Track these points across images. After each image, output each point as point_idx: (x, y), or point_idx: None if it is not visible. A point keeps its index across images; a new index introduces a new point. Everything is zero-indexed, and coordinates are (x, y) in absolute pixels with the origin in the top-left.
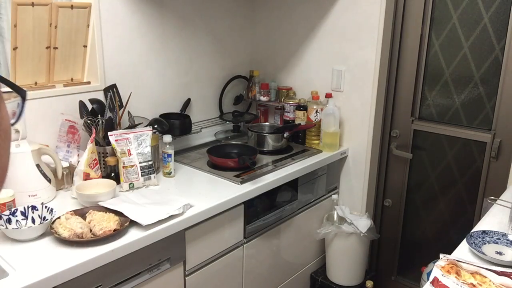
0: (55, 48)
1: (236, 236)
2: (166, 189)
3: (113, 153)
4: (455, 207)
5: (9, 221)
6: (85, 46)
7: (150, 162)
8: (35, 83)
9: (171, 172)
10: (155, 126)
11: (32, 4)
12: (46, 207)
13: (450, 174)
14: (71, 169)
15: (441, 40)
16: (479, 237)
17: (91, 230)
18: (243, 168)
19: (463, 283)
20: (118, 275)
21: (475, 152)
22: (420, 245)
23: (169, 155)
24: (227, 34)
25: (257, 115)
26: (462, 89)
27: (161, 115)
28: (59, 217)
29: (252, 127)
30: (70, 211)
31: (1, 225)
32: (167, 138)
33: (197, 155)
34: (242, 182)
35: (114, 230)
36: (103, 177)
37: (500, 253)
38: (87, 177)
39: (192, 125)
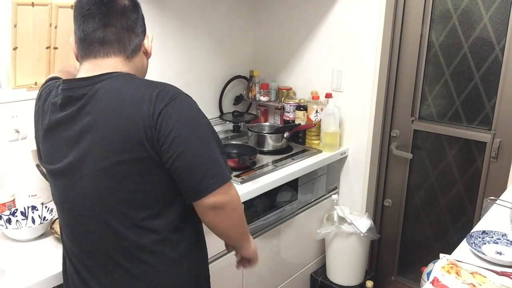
0: (55, 48)
1: None
2: None
3: None
4: (455, 207)
5: (9, 221)
6: None
7: None
8: (35, 83)
9: None
10: None
11: (32, 4)
12: (46, 207)
13: (450, 174)
14: None
15: (441, 40)
16: (479, 237)
17: None
18: (243, 168)
19: (463, 283)
20: None
21: (475, 152)
22: (420, 245)
23: None
24: (227, 34)
25: (257, 115)
26: (462, 89)
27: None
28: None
29: (252, 127)
30: None
31: (1, 225)
32: None
33: None
34: (242, 182)
35: None
36: None
37: (500, 253)
38: None
39: None
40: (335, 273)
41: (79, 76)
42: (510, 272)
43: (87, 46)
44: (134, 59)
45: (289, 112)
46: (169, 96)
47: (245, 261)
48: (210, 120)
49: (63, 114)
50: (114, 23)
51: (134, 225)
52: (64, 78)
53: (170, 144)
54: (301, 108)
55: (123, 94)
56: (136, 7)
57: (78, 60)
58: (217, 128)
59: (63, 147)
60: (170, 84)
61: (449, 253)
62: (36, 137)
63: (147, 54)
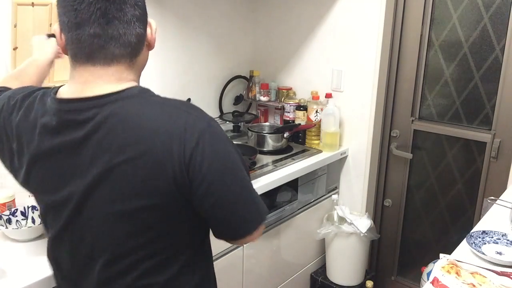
0: None
1: None
2: None
3: None
4: (455, 207)
5: (9, 221)
6: None
7: None
8: None
9: None
10: None
11: (32, 4)
12: None
13: (450, 174)
14: None
15: (441, 40)
16: (479, 237)
17: None
18: None
19: (463, 283)
20: None
21: (475, 152)
22: (420, 245)
23: None
24: (227, 34)
25: (257, 115)
26: (462, 89)
27: None
28: None
29: (252, 127)
30: None
31: (1, 225)
32: None
33: None
34: None
35: None
36: None
37: (500, 253)
38: None
39: None
40: (335, 273)
41: (72, 84)
42: (510, 272)
43: (82, 48)
44: (137, 59)
45: (289, 112)
46: (198, 131)
47: None
48: None
49: (62, 141)
50: (114, 21)
51: (148, 269)
52: (15, 87)
53: (205, 191)
54: (301, 108)
55: (144, 127)
56: None
57: (64, 52)
58: None
59: (64, 177)
60: (191, 106)
61: (449, 253)
62: (11, 154)
63: (150, 47)
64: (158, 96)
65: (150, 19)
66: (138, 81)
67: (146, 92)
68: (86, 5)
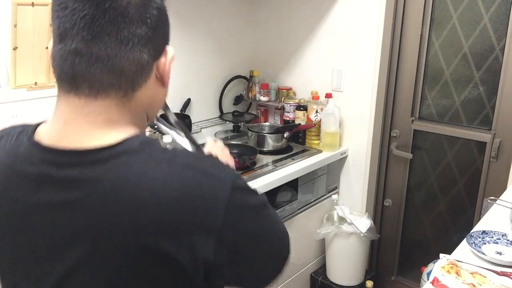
0: None
1: None
2: None
3: None
4: (455, 207)
5: None
6: None
7: None
8: (35, 83)
9: None
10: (155, 126)
11: (32, 4)
12: None
13: (450, 174)
14: None
15: (441, 40)
16: (479, 237)
17: None
18: (243, 168)
19: (463, 283)
20: None
21: (475, 152)
22: (420, 245)
23: None
24: (227, 34)
25: (257, 115)
26: (462, 89)
27: (161, 115)
28: None
29: (252, 127)
30: None
31: None
32: (167, 138)
33: None
34: None
35: None
36: None
37: (500, 253)
38: None
39: (192, 125)
40: (335, 273)
41: (53, 122)
42: (510, 272)
43: (65, 68)
44: (136, 94)
45: (289, 112)
46: (223, 203)
47: None
48: (210, 120)
49: (39, 201)
50: (103, 36)
51: None
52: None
53: (236, 265)
54: (301, 108)
55: (146, 197)
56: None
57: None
58: (217, 128)
59: (38, 249)
60: (209, 162)
61: (449, 253)
62: None
63: (162, 82)
64: (165, 151)
65: (168, 46)
66: (140, 125)
67: (149, 146)
68: (69, 11)
